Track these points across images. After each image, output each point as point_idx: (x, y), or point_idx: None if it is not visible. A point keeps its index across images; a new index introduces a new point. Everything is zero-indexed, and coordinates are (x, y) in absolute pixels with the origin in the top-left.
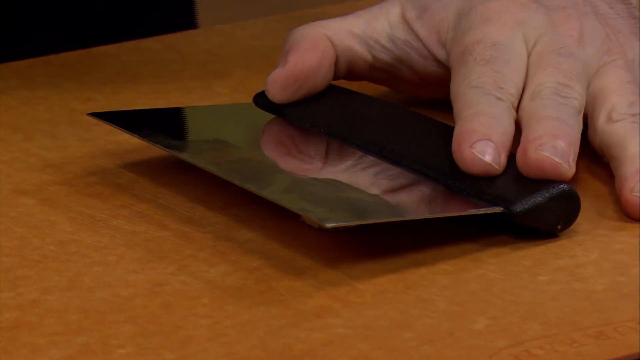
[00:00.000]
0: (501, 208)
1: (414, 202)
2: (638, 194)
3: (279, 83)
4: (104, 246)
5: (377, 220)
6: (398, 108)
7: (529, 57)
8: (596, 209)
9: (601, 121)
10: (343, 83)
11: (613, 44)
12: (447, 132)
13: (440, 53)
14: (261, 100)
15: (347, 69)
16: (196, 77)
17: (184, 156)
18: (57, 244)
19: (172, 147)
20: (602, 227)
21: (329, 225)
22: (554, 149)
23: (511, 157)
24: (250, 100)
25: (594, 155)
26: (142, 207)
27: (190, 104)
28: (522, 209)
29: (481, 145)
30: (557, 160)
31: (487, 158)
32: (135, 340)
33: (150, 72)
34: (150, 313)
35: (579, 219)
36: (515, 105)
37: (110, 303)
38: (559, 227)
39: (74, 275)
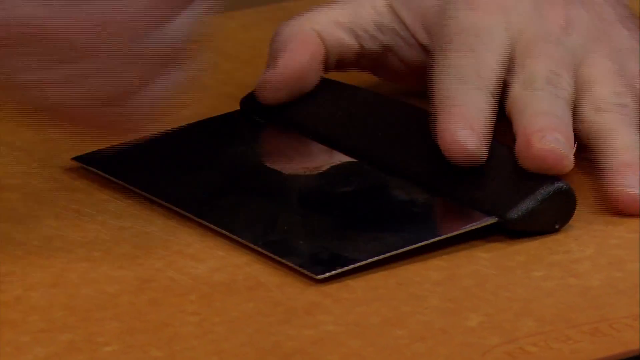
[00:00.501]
0: (496, 218)
1: (405, 226)
2: (625, 189)
3: (271, 86)
4: (90, 242)
5: (370, 260)
6: (393, 104)
7: (515, 45)
8: (592, 203)
9: (587, 112)
10: (331, 74)
11: (599, 32)
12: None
13: (425, 40)
14: (249, 104)
15: (337, 62)
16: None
17: (175, 205)
18: (41, 239)
19: (158, 192)
20: (598, 221)
21: (320, 277)
22: (557, 141)
23: (500, 160)
24: (237, 91)
25: (591, 150)
26: (128, 202)
27: (177, 98)
28: (516, 216)
29: (464, 134)
30: (562, 151)
31: (470, 146)
32: (122, 337)
33: None
34: (137, 310)
35: (574, 214)
36: (495, 93)
37: (96, 300)
38: (556, 226)
39: (59, 271)
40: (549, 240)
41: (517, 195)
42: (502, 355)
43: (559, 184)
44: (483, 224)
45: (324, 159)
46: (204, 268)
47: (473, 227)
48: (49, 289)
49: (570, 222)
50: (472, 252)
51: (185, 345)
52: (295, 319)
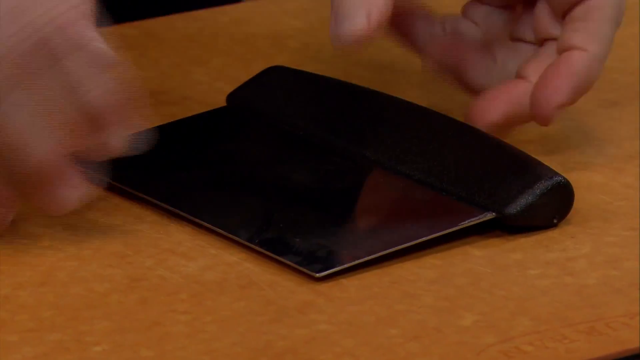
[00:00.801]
0: (494, 213)
1: (403, 223)
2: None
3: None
4: (79, 240)
5: (369, 258)
6: (385, 99)
7: None
8: (588, 201)
9: None
10: (326, 71)
11: None
12: (434, 125)
13: None
14: (236, 99)
15: None
16: (175, 64)
17: (165, 203)
18: (30, 237)
19: (147, 189)
20: (594, 219)
21: (319, 275)
22: None
23: (496, 154)
24: (228, 87)
25: (587, 145)
26: (118, 199)
27: (168, 92)
28: (515, 211)
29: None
30: None
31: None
32: (111, 336)
33: (128, 59)
34: (127, 309)
35: (570, 211)
36: None
37: (85, 299)
38: (555, 220)
39: (48, 269)
40: (544, 238)
41: (515, 190)
42: (498, 354)
43: (557, 178)
44: (481, 220)
45: (315, 155)
46: (195, 266)
47: (471, 223)
48: (37, 287)
49: (566, 219)
50: (467, 250)
51: (176, 344)
52: (288, 318)
